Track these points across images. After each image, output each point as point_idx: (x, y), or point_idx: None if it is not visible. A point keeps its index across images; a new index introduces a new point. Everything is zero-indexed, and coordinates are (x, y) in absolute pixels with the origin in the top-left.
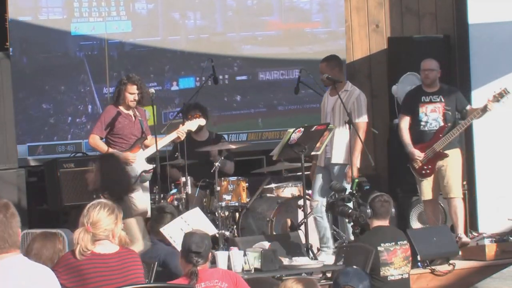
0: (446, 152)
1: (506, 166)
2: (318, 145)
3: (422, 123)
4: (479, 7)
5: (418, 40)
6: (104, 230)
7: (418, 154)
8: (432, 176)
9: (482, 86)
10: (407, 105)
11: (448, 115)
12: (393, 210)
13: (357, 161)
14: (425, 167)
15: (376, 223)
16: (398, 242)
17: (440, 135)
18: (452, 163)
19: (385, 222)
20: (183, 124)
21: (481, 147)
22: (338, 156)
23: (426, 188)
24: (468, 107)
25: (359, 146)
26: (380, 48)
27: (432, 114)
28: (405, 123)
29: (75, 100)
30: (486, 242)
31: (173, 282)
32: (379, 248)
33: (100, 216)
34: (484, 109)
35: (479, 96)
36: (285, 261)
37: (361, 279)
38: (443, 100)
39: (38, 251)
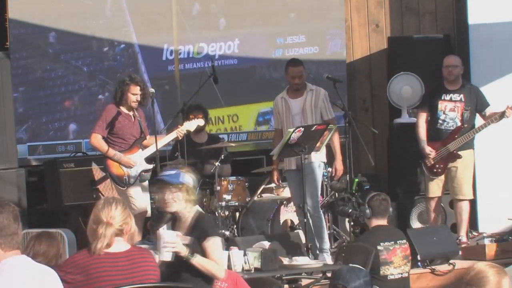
0: (460, 152)
1: (506, 166)
2: (318, 145)
3: (440, 121)
4: (479, 7)
5: (418, 40)
6: (122, 225)
7: (429, 151)
8: (443, 175)
9: (482, 86)
10: (426, 101)
11: (467, 115)
12: (390, 209)
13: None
14: (437, 166)
15: (375, 222)
16: (398, 241)
17: (456, 136)
18: (464, 165)
19: (384, 221)
20: (182, 125)
21: (481, 147)
22: (313, 155)
23: (435, 186)
24: (488, 109)
25: (338, 142)
26: (380, 48)
27: (451, 113)
28: (422, 119)
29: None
30: (486, 241)
31: None
32: (378, 247)
33: (117, 211)
34: (502, 115)
35: None
36: (285, 261)
37: (354, 278)
38: (463, 99)
39: (45, 250)
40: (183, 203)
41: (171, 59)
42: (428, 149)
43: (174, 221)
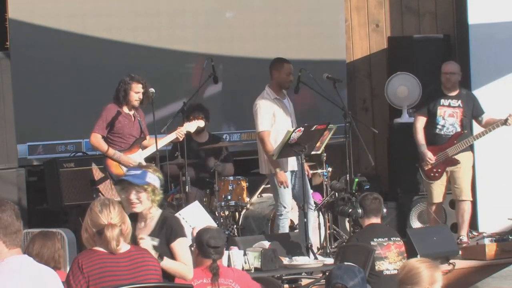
0: (459, 155)
1: (506, 165)
2: (318, 144)
3: (439, 126)
4: (479, 7)
5: (418, 40)
6: (121, 225)
7: (430, 157)
8: (444, 179)
9: (482, 86)
10: (425, 106)
11: (466, 121)
12: (385, 210)
13: None
14: (434, 170)
15: (369, 221)
16: (391, 238)
17: (455, 141)
18: (465, 166)
19: (377, 220)
20: (181, 125)
21: (481, 147)
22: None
23: (437, 191)
24: (484, 116)
25: None
26: (380, 48)
27: (450, 119)
28: (421, 123)
29: None
30: (486, 241)
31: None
32: (372, 243)
33: (116, 212)
34: (504, 123)
35: (479, 97)
36: (285, 260)
37: (352, 276)
38: (461, 105)
39: (38, 251)
40: (149, 204)
41: None
42: (429, 155)
43: (135, 222)
